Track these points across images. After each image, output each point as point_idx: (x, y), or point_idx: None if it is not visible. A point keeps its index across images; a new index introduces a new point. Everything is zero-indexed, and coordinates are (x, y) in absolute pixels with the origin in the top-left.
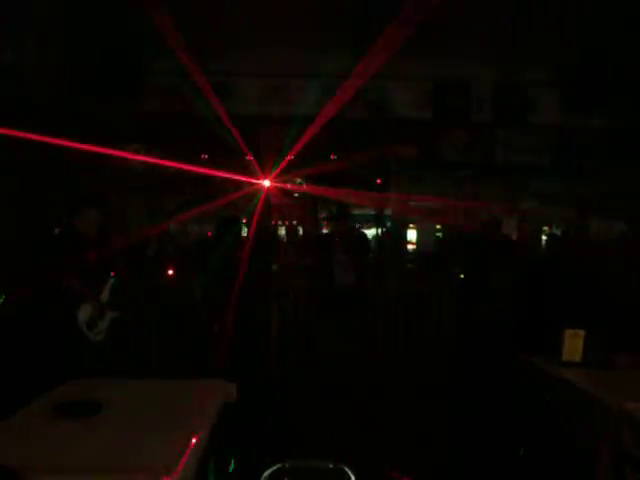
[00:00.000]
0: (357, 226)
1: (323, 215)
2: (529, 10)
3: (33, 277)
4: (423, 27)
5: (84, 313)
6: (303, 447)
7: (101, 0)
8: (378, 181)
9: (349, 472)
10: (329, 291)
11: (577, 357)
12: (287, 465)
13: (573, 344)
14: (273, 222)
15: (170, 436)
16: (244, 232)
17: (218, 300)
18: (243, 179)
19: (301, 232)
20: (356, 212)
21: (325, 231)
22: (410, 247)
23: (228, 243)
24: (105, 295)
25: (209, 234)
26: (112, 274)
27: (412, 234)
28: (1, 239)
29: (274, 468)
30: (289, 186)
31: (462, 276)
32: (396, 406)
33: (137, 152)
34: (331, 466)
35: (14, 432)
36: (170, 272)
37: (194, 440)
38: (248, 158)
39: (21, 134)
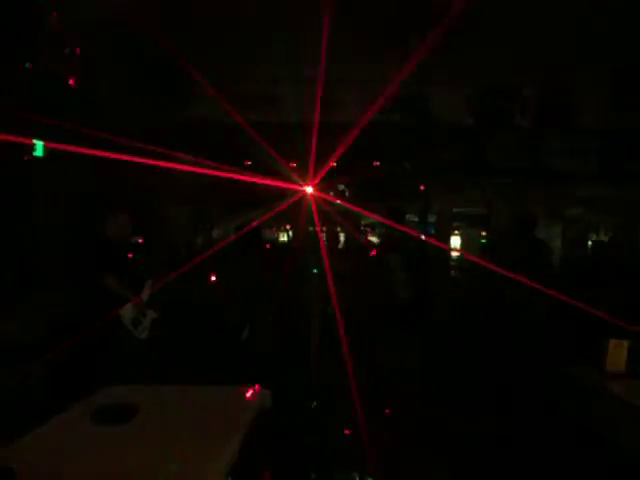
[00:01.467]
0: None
1: (366, 222)
2: (573, 11)
3: (82, 280)
4: (466, 31)
5: (128, 312)
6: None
7: (149, 4)
8: (421, 187)
9: None
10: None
11: (621, 368)
12: (313, 476)
13: (617, 354)
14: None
15: (203, 443)
16: (286, 238)
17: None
18: (286, 186)
19: (342, 239)
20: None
21: (372, 238)
22: (454, 254)
23: (246, 250)
24: (145, 295)
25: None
26: (152, 276)
27: (456, 241)
28: (52, 245)
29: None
30: (331, 193)
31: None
32: (427, 419)
33: (183, 159)
34: (358, 478)
35: (53, 435)
36: (213, 278)
37: (227, 447)
38: (291, 165)
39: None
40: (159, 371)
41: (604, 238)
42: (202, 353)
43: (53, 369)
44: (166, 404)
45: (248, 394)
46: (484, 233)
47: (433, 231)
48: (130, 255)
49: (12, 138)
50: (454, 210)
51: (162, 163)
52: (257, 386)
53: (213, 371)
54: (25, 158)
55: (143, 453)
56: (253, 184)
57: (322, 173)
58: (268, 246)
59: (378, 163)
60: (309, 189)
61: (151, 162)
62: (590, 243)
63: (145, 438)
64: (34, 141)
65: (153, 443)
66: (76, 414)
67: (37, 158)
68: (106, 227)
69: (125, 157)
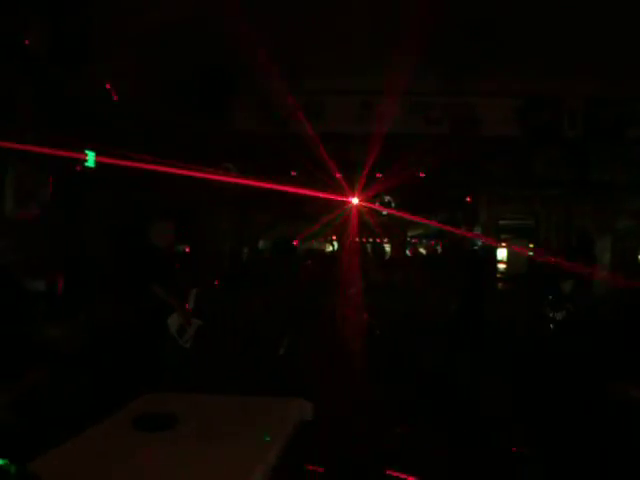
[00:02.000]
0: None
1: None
2: (623, 22)
3: (130, 289)
4: (513, 42)
5: (174, 322)
6: None
7: (194, 16)
8: (468, 199)
9: None
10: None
11: None
12: None
13: None
14: (364, 240)
15: (243, 453)
16: (332, 248)
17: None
18: (332, 197)
19: (388, 250)
20: None
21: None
22: (501, 267)
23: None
24: (190, 304)
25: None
26: (197, 285)
27: (502, 253)
28: (101, 253)
29: None
30: (377, 204)
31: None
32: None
33: (228, 170)
34: None
35: (94, 442)
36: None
37: (264, 459)
38: (337, 176)
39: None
40: (201, 380)
41: None
42: (242, 364)
43: (99, 376)
44: (206, 413)
45: (288, 406)
46: (531, 245)
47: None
48: (177, 265)
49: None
50: (500, 222)
51: (209, 175)
52: (298, 398)
53: (253, 382)
54: (77, 169)
55: (182, 462)
56: (299, 195)
57: (369, 185)
58: (309, 262)
59: (424, 174)
60: (355, 200)
61: (198, 174)
62: None
63: (184, 447)
64: (86, 152)
65: (192, 453)
66: (118, 421)
67: (89, 168)
68: (150, 235)
69: (172, 169)
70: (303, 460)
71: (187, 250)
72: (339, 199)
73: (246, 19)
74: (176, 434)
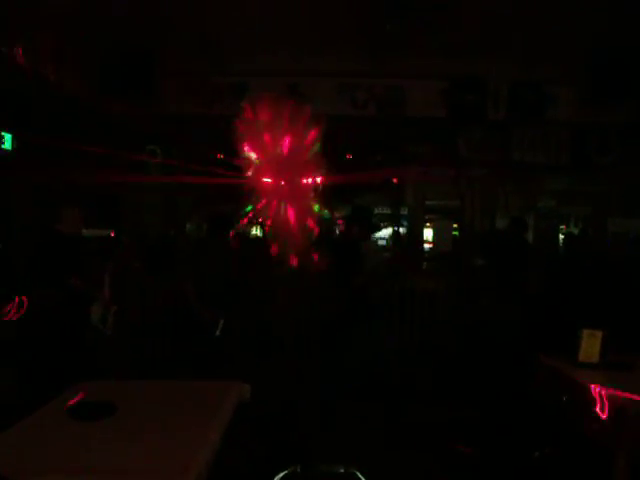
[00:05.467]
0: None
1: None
2: (543, 7)
3: (46, 279)
4: (438, 26)
5: (96, 311)
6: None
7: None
8: (394, 181)
9: (361, 477)
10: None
11: (594, 358)
12: (298, 469)
13: (590, 345)
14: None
15: (184, 437)
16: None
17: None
18: (257, 178)
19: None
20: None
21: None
22: (427, 246)
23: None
24: (106, 290)
25: None
26: (107, 271)
27: (428, 233)
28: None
29: (286, 472)
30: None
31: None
32: (408, 408)
33: (154, 153)
34: (342, 471)
35: (30, 434)
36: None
37: (208, 441)
38: (262, 158)
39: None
40: (135, 368)
41: (574, 230)
42: (177, 349)
43: (25, 370)
44: (146, 399)
45: (226, 388)
46: (455, 225)
47: (405, 223)
48: (90, 250)
49: None
50: (426, 203)
51: (135, 157)
52: (235, 380)
53: (188, 367)
54: None
55: (123, 449)
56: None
57: (296, 167)
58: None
59: (351, 157)
60: (281, 183)
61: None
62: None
63: (125, 434)
64: (2, 133)
65: (133, 439)
66: (52, 412)
67: (5, 151)
68: (54, 222)
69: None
70: (244, 441)
71: (112, 234)
72: (264, 181)
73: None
74: (116, 422)
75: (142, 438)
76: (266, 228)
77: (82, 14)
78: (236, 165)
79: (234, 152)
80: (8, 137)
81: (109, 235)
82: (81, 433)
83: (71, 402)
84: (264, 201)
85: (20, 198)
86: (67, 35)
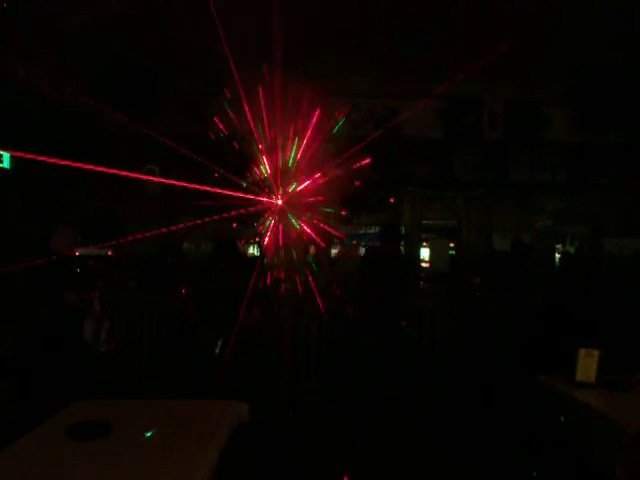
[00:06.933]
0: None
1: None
2: (542, 27)
3: (42, 297)
4: (435, 46)
5: (88, 328)
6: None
7: (119, 18)
8: (391, 200)
9: None
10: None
11: (591, 377)
12: None
13: (587, 364)
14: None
15: (181, 457)
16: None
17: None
18: (256, 198)
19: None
20: (370, 231)
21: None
22: (423, 265)
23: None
24: (96, 306)
25: None
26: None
27: (425, 252)
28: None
29: None
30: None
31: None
32: (405, 425)
33: (151, 173)
34: None
35: (27, 452)
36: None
37: (205, 462)
38: (261, 177)
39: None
40: (132, 386)
41: (570, 249)
42: (176, 367)
43: (22, 387)
44: (143, 418)
45: (224, 407)
46: (452, 244)
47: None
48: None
49: None
50: (423, 222)
51: (133, 176)
52: (233, 400)
53: (187, 386)
54: None
55: (120, 470)
56: (224, 197)
57: (294, 186)
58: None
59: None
60: (279, 202)
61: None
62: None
63: (121, 454)
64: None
65: (130, 459)
66: (50, 430)
67: (4, 170)
68: (50, 240)
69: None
70: (242, 462)
71: (110, 254)
72: (263, 200)
73: (169, 19)
74: (112, 441)
75: (138, 459)
76: (263, 247)
77: (83, 32)
78: (237, 184)
79: (234, 171)
80: (6, 156)
81: (107, 254)
82: (76, 453)
83: (69, 421)
84: (264, 221)
85: (17, 216)
86: (68, 53)
